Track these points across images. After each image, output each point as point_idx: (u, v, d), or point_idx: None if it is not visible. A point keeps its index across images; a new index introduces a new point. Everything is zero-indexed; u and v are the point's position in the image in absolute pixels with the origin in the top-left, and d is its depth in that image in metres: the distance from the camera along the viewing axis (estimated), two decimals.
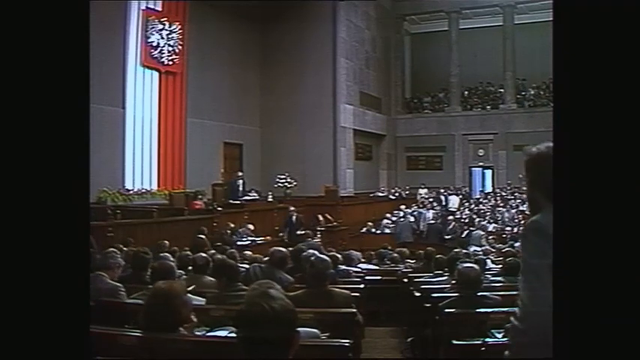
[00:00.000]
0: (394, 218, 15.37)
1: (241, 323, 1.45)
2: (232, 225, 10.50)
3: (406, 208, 16.06)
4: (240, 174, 13.56)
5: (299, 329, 1.52)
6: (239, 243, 9.74)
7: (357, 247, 10.86)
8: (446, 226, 14.20)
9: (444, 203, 17.32)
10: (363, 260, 8.45)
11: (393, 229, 14.72)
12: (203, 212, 10.95)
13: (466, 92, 21.36)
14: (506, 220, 15.02)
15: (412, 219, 15.19)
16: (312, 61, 16.95)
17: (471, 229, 13.66)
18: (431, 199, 17.51)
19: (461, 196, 18.09)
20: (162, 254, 5.49)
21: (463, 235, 13.12)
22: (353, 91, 18.16)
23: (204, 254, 4.88)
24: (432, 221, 15.18)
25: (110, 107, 12.00)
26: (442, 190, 18.40)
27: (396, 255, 8.44)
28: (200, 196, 11.94)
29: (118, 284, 3.81)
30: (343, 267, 6.31)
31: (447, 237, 13.55)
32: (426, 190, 18.36)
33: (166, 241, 7.08)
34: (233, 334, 2.15)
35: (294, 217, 12.09)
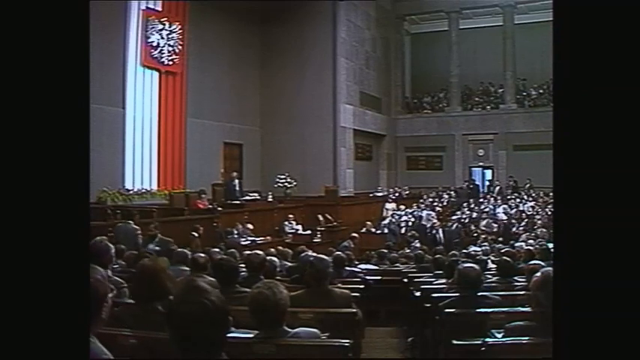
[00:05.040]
0: (393, 219, 15.30)
1: (172, 322, 1.42)
2: (240, 225, 10.46)
3: (406, 208, 16.02)
4: (234, 174, 13.52)
5: (300, 329, 1.50)
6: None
7: (357, 247, 10.85)
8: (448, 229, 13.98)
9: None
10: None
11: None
12: (203, 212, 10.96)
13: (466, 92, 21.36)
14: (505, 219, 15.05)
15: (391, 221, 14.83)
16: (312, 61, 16.94)
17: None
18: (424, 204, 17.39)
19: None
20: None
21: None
22: (353, 91, 18.15)
23: (202, 254, 4.83)
24: (423, 223, 14.92)
25: (110, 107, 12.00)
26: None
27: (395, 255, 8.46)
28: (204, 195, 11.93)
29: (120, 280, 3.68)
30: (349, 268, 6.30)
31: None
32: (393, 205, 16.20)
33: (171, 240, 7.04)
34: (233, 335, 2.15)
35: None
